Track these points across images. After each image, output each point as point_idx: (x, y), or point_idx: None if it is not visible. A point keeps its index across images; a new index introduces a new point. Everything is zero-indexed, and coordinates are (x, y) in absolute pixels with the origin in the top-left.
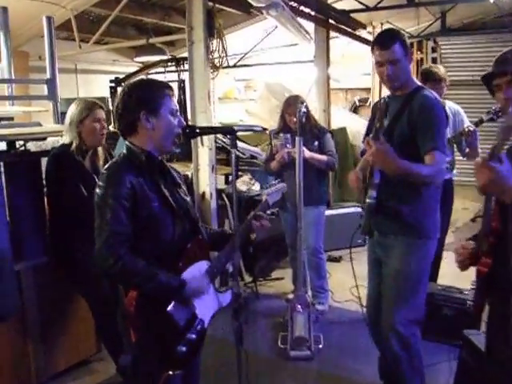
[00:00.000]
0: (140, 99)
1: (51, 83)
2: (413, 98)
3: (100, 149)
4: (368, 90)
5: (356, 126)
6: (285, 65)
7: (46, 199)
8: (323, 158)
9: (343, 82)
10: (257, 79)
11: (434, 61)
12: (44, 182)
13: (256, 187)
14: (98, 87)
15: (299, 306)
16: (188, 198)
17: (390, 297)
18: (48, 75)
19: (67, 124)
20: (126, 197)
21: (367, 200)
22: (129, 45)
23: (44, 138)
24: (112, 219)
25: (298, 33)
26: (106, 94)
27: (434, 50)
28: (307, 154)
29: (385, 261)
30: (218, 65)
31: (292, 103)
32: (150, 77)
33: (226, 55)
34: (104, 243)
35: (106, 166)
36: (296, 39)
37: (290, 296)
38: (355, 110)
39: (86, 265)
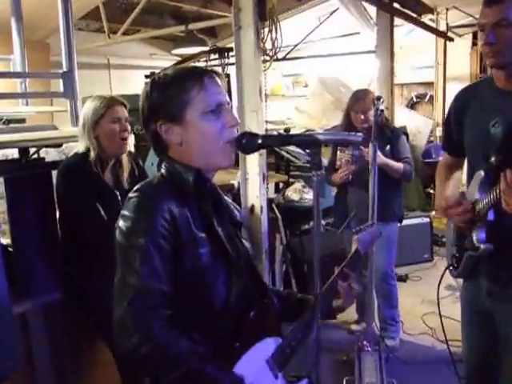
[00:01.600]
0: (153, 105)
1: (68, 77)
2: None
3: (125, 157)
4: (426, 84)
5: (416, 125)
6: (338, 58)
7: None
8: (399, 166)
9: (399, 77)
10: (307, 74)
11: None
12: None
13: (309, 196)
14: (133, 83)
15: (368, 344)
16: (249, 245)
17: None
18: (64, 68)
19: (80, 127)
20: (164, 235)
21: (477, 244)
22: (164, 33)
23: (59, 145)
24: (143, 269)
25: (361, 17)
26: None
27: None
28: (381, 159)
29: (505, 318)
30: (271, 54)
31: (361, 98)
32: None
33: (279, 45)
34: (128, 308)
35: (136, 188)
36: (357, 27)
37: (354, 327)
38: (412, 106)
39: (106, 305)
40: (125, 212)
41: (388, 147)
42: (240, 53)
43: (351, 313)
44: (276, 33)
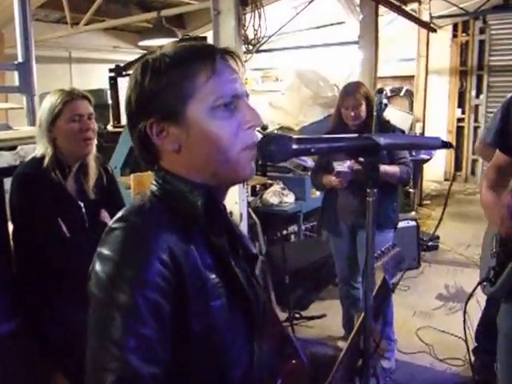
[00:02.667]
0: (143, 96)
1: (24, 69)
2: None
3: (91, 162)
4: (402, 78)
5: (394, 121)
6: (314, 51)
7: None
8: (394, 170)
9: None
10: (280, 68)
11: (482, 44)
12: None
13: (290, 199)
14: (96, 78)
15: None
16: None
17: None
18: (20, 58)
19: (37, 128)
20: (162, 287)
21: None
22: (133, 21)
23: (13, 147)
24: (128, 342)
25: (347, 3)
26: (105, 85)
27: (482, 32)
28: None
29: None
30: (253, 43)
31: (350, 93)
32: None
33: (262, 34)
34: None
35: (121, 215)
36: (336, 17)
37: (341, 344)
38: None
39: (69, 339)
40: (104, 250)
41: None
42: (219, 40)
43: (337, 327)
44: (260, 19)
